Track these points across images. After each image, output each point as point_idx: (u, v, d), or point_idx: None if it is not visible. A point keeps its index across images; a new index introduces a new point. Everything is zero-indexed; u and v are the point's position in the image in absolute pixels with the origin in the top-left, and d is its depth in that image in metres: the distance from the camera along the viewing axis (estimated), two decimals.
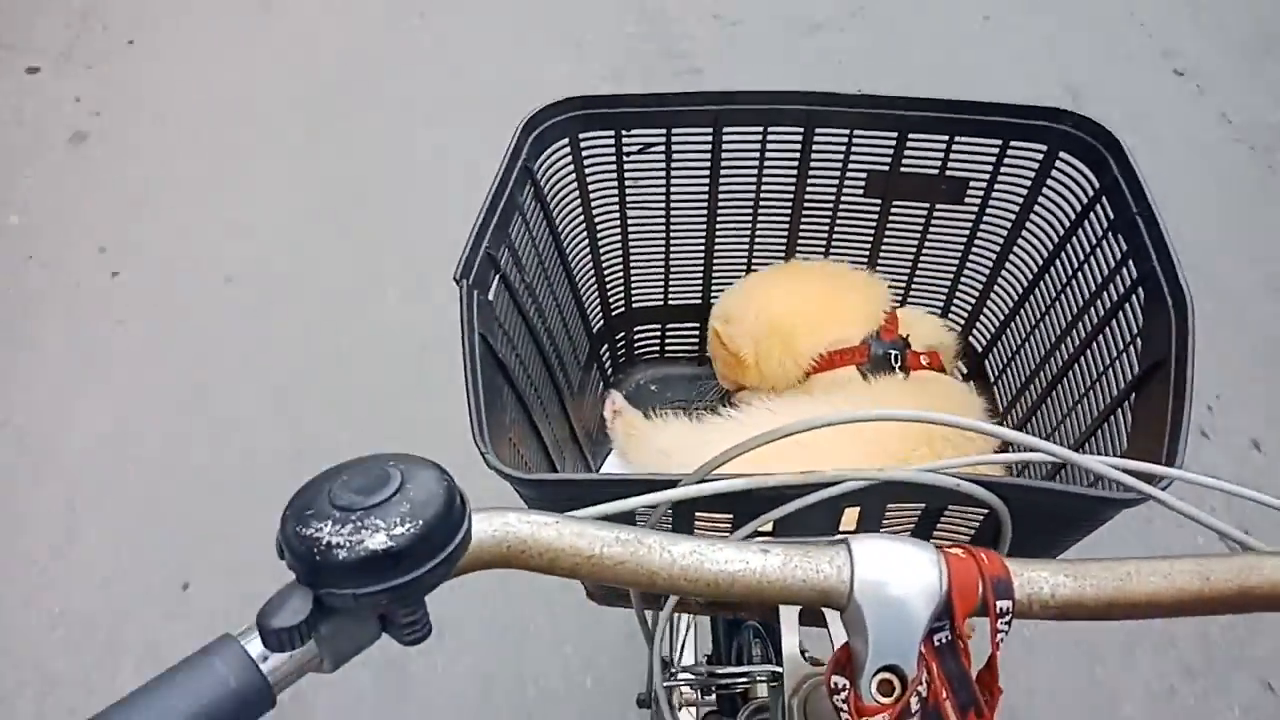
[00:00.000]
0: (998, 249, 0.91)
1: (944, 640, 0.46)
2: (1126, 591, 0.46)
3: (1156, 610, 0.47)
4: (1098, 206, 0.78)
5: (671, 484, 0.56)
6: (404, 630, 0.41)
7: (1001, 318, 0.94)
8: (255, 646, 0.38)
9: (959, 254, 0.94)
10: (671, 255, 0.99)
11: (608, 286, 1.00)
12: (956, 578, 0.45)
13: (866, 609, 0.45)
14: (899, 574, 0.45)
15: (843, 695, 0.46)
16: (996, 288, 0.93)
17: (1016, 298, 0.91)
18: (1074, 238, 0.82)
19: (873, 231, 0.95)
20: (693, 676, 0.94)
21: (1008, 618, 0.46)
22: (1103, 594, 0.47)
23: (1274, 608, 0.47)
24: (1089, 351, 0.76)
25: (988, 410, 0.92)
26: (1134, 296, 0.71)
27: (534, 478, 0.59)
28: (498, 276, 0.74)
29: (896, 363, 0.91)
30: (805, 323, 0.94)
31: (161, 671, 0.37)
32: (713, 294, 1.03)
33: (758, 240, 0.98)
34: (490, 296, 0.72)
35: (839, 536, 0.48)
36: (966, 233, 0.92)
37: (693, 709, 1.01)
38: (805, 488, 0.56)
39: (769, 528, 0.60)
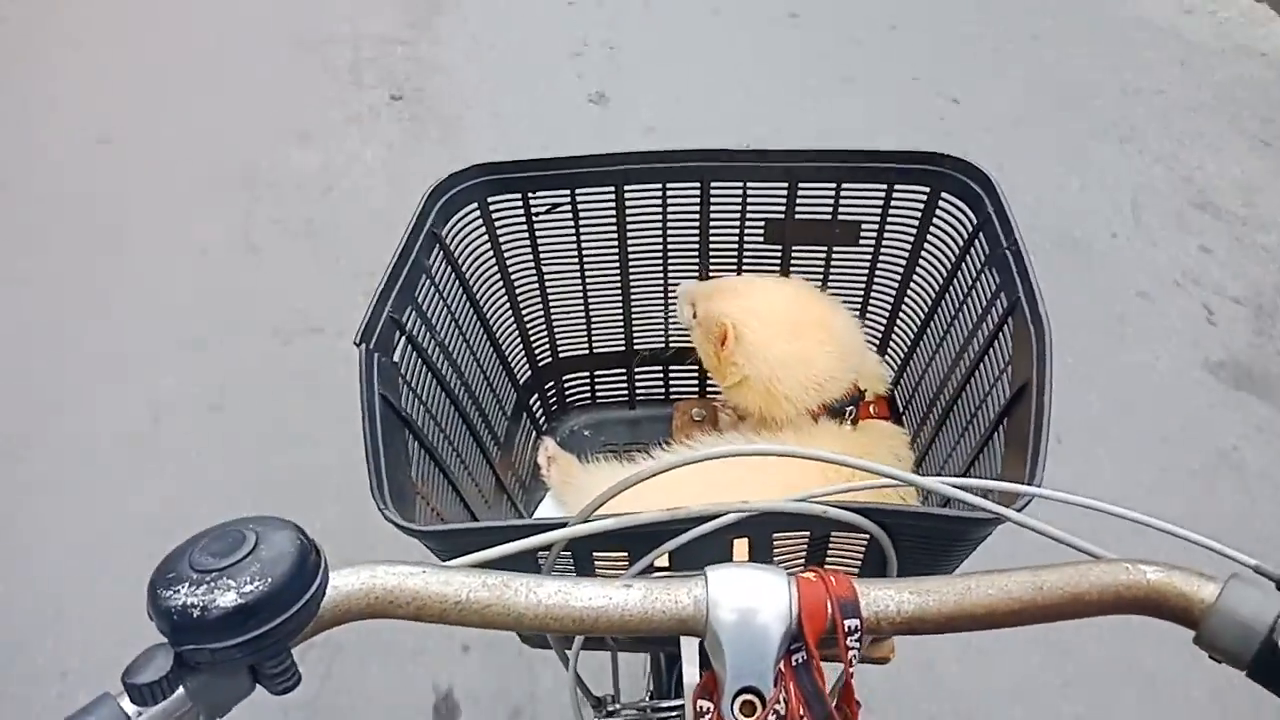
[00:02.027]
0: (896, 286, 0.95)
1: (800, 660, 0.49)
2: (966, 605, 0.49)
3: (998, 620, 0.50)
4: (976, 242, 0.83)
5: (561, 526, 0.59)
6: (273, 680, 0.44)
7: (904, 351, 0.97)
8: (130, 705, 0.41)
9: (861, 293, 0.98)
10: (591, 307, 1.03)
11: (531, 339, 1.03)
12: (806, 601, 0.48)
13: (723, 635, 0.48)
14: (752, 600, 0.48)
15: (707, 718, 0.49)
16: (898, 324, 0.97)
17: (916, 328, 0.95)
18: (958, 273, 0.86)
19: (777, 273, 0.99)
20: (633, 713, 0.96)
21: (857, 636, 0.49)
22: (945, 608, 0.49)
23: (1104, 611, 0.49)
24: (975, 376, 0.80)
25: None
26: (1006, 325, 0.75)
27: (425, 529, 0.62)
28: (403, 339, 0.77)
29: (851, 415, 0.93)
30: (799, 389, 0.92)
31: None
32: (635, 341, 1.07)
33: (671, 288, 1.02)
34: (396, 358, 0.75)
35: (701, 570, 0.51)
36: (866, 272, 0.96)
37: None
38: (675, 522, 0.58)
39: (666, 560, 0.63)
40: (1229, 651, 0.45)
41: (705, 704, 0.50)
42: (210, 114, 2.91)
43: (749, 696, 0.48)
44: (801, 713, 0.49)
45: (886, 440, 0.94)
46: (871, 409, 0.94)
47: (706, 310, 0.95)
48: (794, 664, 0.49)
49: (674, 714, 0.94)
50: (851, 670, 0.50)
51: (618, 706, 0.95)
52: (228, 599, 0.40)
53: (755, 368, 0.92)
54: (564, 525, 0.58)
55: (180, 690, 0.41)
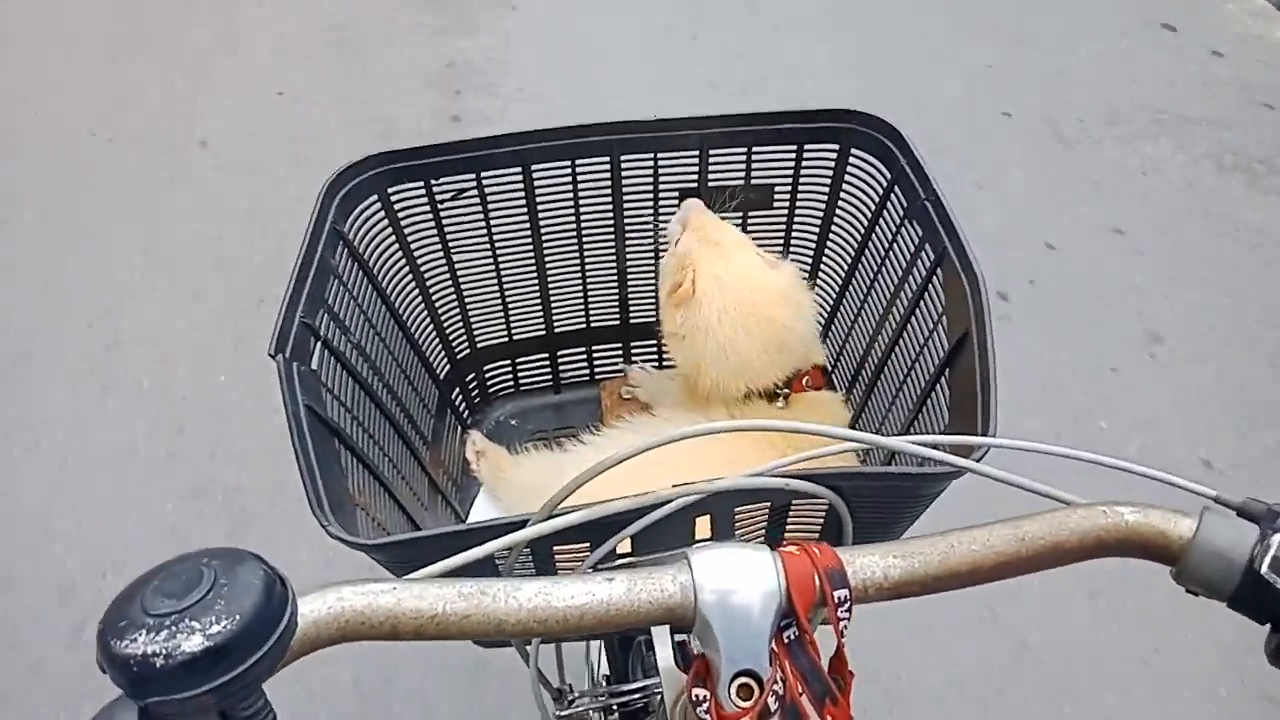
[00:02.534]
0: (813, 247, 0.95)
1: (792, 637, 0.48)
2: (951, 563, 0.49)
3: (983, 575, 0.49)
4: (891, 196, 0.83)
5: (520, 525, 0.56)
6: None
7: (827, 311, 0.97)
8: None
9: (780, 253, 0.97)
10: (507, 292, 1.00)
11: (447, 331, 0.99)
12: (793, 576, 0.47)
13: (713, 619, 0.46)
14: (738, 580, 0.46)
15: (704, 706, 0.47)
16: (819, 283, 0.97)
17: (836, 290, 0.95)
18: (876, 229, 0.86)
19: None
20: (591, 700, 0.94)
21: (847, 605, 0.48)
22: (930, 569, 0.49)
23: (1086, 556, 0.50)
24: (905, 334, 0.80)
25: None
26: (934, 277, 0.75)
27: (379, 541, 0.58)
28: (319, 344, 0.72)
29: (783, 391, 0.92)
30: (755, 371, 0.90)
31: None
32: (555, 324, 1.04)
33: (589, 265, 0.99)
34: (315, 365, 0.71)
35: (679, 551, 0.49)
36: (783, 233, 0.96)
37: None
38: (644, 509, 0.56)
39: (628, 544, 0.61)
40: (1210, 583, 0.46)
41: (700, 691, 0.48)
42: None
43: (745, 679, 0.47)
44: (800, 689, 0.48)
45: (820, 411, 0.94)
46: (805, 381, 0.93)
47: (688, 246, 0.91)
48: (786, 641, 0.48)
49: (635, 696, 0.93)
50: (844, 640, 0.49)
51: (576, 695, 0.93)
52: (193, 643, 0.36)
53: (693, 336, 0.89)
54: (523, 524, 0.56)
55: None
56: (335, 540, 0.58)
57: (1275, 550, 0.44)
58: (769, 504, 0.65)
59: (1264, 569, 0.44)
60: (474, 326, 1.01)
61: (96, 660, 0.38)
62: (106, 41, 2.97)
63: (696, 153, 0.90)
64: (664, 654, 0.65)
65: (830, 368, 0.98)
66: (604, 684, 1.12)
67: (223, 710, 0.39)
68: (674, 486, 0.57)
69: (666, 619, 0.47)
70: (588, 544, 0.62)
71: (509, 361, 1.06)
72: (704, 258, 0.89)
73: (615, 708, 0.95)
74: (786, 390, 0.91)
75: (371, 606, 0.44)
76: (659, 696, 0.90)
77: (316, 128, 2.64)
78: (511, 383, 1.08)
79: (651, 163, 0.91)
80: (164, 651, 0.36)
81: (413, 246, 0.91)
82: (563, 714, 0.91)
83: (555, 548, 0.64)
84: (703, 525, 0.64)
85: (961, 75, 2.80)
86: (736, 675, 0.46)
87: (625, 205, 0.94)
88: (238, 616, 0.37)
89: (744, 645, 0.46)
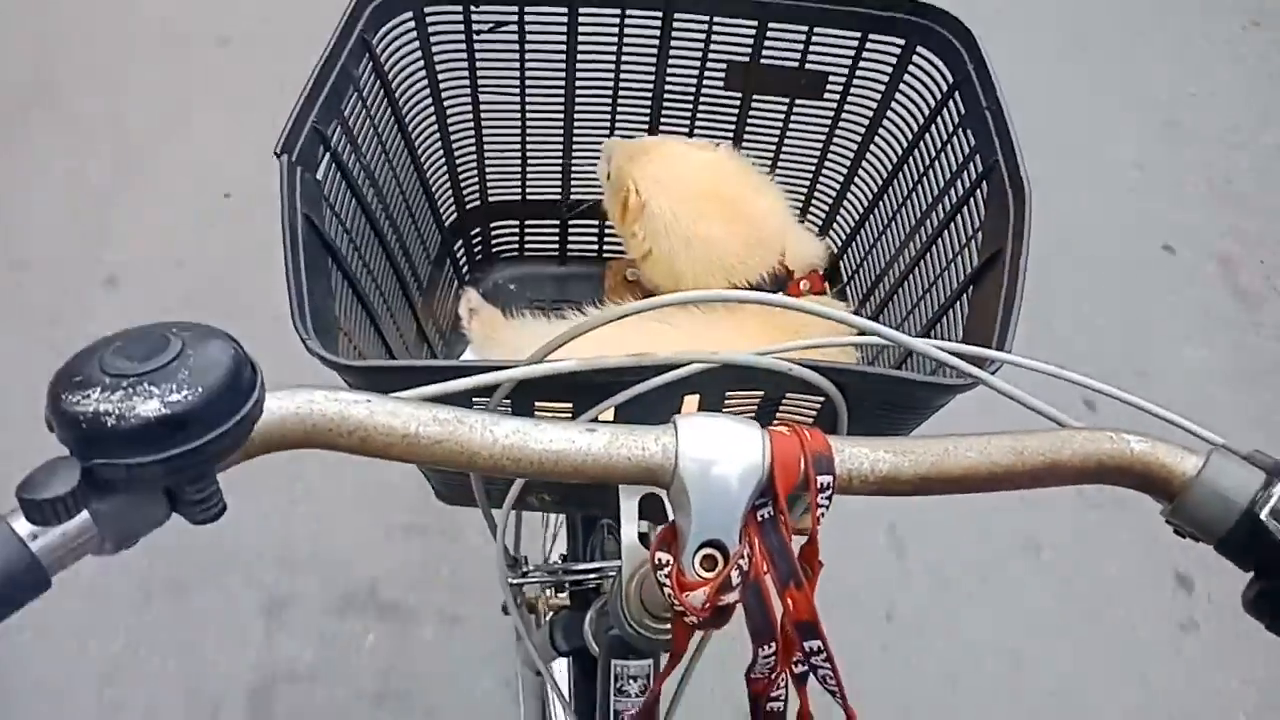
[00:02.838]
0: (856, 145, 0.91)
1: (766, 516, 0.46)
2: (943, 466, 0.47)
3: (974, 484, 0.48)
4: (951, 102, 0.79)
5: (505, 369, 0.54)
6: (194, 508, 0.38)
7: (858, 215, 0.94)
8: (22, 525, 0.35)
9: (818, 151, 0.93)
10: (528, 147, 0.96)
11: (460, 178, 0.96)
12: (779, 455, 0.45)
13: (690, 485, 0.45)
14: (723, 451, 0.45)
15: (666, 570, 0.46)
16: (854, 185, 0.93)
17: (873, 194, 0.91)
18: (928, 133, 0.82)
19: (734, 127, 0.94)
20: (545, 575, 0.94)
21: (828, 493, 0.46)
22: (920, 468, 0.47)
23: (1083, 480, 0.48)
24: (936, 245, 0.77)
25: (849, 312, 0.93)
26: (979, 190, 0.72)
27: (358, 364, 0.56)
28: (328, 154, 0.69)
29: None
30: (724, 261, 0.88)
31: None
32: (572, 190, 1.00)
33: (618, 132, 0.95)
34: (320, 176, 0.68)
35: (669, 419, 0.47)
36: (826, 129, 0.91)
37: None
38: (640, 370, 0.54)
39: (610, 416, 0.59)
40: (1205, 522, 0.45)
41: (664, 555, 0.47)
42: None
43: (711, 550, 0.46)
44: (765, 568, 0.47)
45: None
46: (803, 285, 0.91)
47: (619, 169, 0.90)
48: (760, 519, 0.46)
49: (589, 576, 0.93)
50: (819, 527, 0.47)
51: (530, 568, 0.93)
52: (149, 407, 0.34)
53: (658, 243, 0.88)
54: (512, 367, 0.54)
55: (84, 514, 0.35)
56: (313, 356, 0.56)
57: (1278, 499, 0.43)
58: (762, 392, 0.63)
59: (1264, 513, 0.43)
60: (488, 177, 0.97)
61: (45, 417, 0.36)
62: None
63: (755, 23, 0.85)
64: (629, 529, 0.64)
65: (849, 275, 0.95)
66: (560, 562, 1.12)
67: (169, 488, 0.37)
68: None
69: (643, 479, 0.46)
70: (571, 406, 0.61)
71: (518, 222, 1.03)
72: (638, 169, 0.87)
73: (567, 585, 0.95)
74: (781, 293, 0.88)
75: (342, 414, 0.42)
76: (611, 579, 0.90)
77: None
78: (517, 245, 1.05)
79: (705, 26, 0.86)
80: (117, 412, 0.34)
81: (440, 76, 0.86)
82: (514, 582, 0.91)
83: (537, 404, 0.62)
84: (691, 404, 0.62)
85: None
86: (703, 545, 0.45)
87: (669, 71, 0.90)
88: (199, 389, 0.35)
89: (716, 516, 0.45)
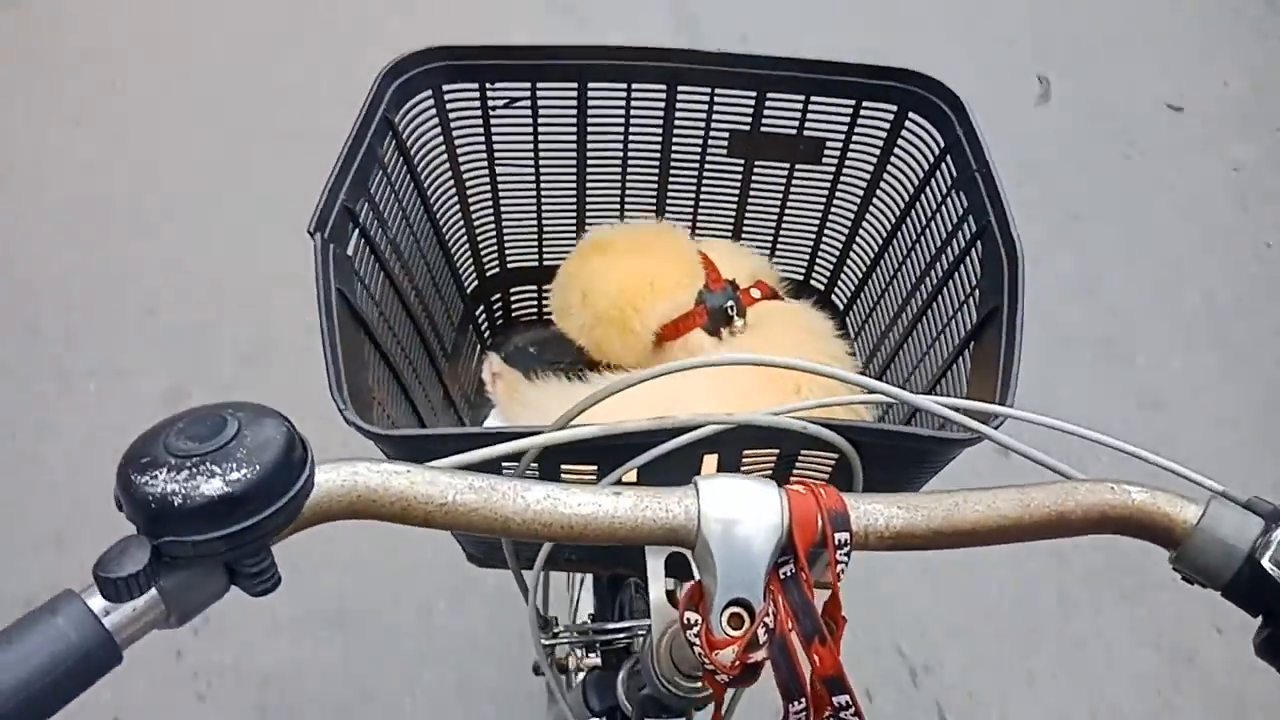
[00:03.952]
0: (855, 207, 0.94)
1: (789, 573, 0.48)
2: (954, 520, 0.49)
3: (983, 537, 0.50)
4: (943, 165, 0.82)
5: (536, 434, 0.56)
6: (252, 581, 0.41)
7: (861, 274, 0.97)
8: (97, 601, 0.37)
9: (820, 213, 0.97)
10: (544, 215, 0.99)
11: (480, 247, 0.99)
12: (797, 513, 0.47)
13: (714, 545, 0.47)
14: (743, 511, 0.47)
15: (695, 630, 0.48)
16: (855, 246, 0.97)
17: (873, 255, 0.94)
18: (923, 195, 0.85)
19: (738, 192, 0.97)
20: (575, 635, 0.95)
21: (846, 549, 0.48)
22: (933, 523, 0.49)
23: (1088, 531, 0.50)
24: (936, 302, 0.80)
25: (838, 335, 0.97)
26: (973, 250, 0.75)
27: (394, 433, 0.59)
28: (357, 231, 0.73)
29: (734, 310, 0.94)
30: (630, 303, 0.95)
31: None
32: None
33: (628, 200, 0.99)
34: (350, 251, 0.71)
35: (690, 481, 0.49)
36: (826, 192, 0.95)
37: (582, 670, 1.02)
38: (660, 433, 0.57)
39: (633, 478, 0.61)
40: (1208, 570, 0.47)
41: (693, 615, 0.49)
42: None
43: (737, 609, 0.48)
44: (790, 625, 0.48)
45: (793, 319, 0.96)
46: (753, 292, 0.95)
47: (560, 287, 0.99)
48: (782, 577, 0.48)
49: (619, 635, 0.94)
50: (840, 583, 0.49)
51: (560, 629, 0.95)
52: (212, 486, 0.37)
53: (586, 314, 0.95)
54: (539, 433, 0.56)
55: (153, 590, 0.38)
56: (350, 426, 0.59)
57: (1278, 544, 0.45)
58: (778, 450, 0.65)
59: (1265, 560, 0.45)
60: (506, 245, 1.01)
61: (114, 496, 0.39)
62: None
63: (754, 93, 0.89)
64: (656, 587, 0.66)
65: (855, 333, 0.98)
66: (589, 622, 1.13)
67: (229, 563, 0.40)
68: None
69: (668, 540, 0.48)
70: (595, 468, 0.63)
71: (536, 287, 1.06)
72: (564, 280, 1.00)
73: (598, 645, 0.96)
74: (734, 304, 0.93)
75: (385, 486, 0.45)
76: (641, 638, 0.92)
77: None
78: (536, 310, 1.08)
79: (708, 97, 0.90)
80: (184, 492, 0.37)
81: (459, 151, 0.91)
82: (547, 643, 0.92)
83: (563, 466, 0.64)
84: (710, 463, 0.65)
85: None
86: (730, 604, 0.47)
87: (675, 139, 0.94)
88: (258, 467, 0.38)
89: (741, 575, 0.47)
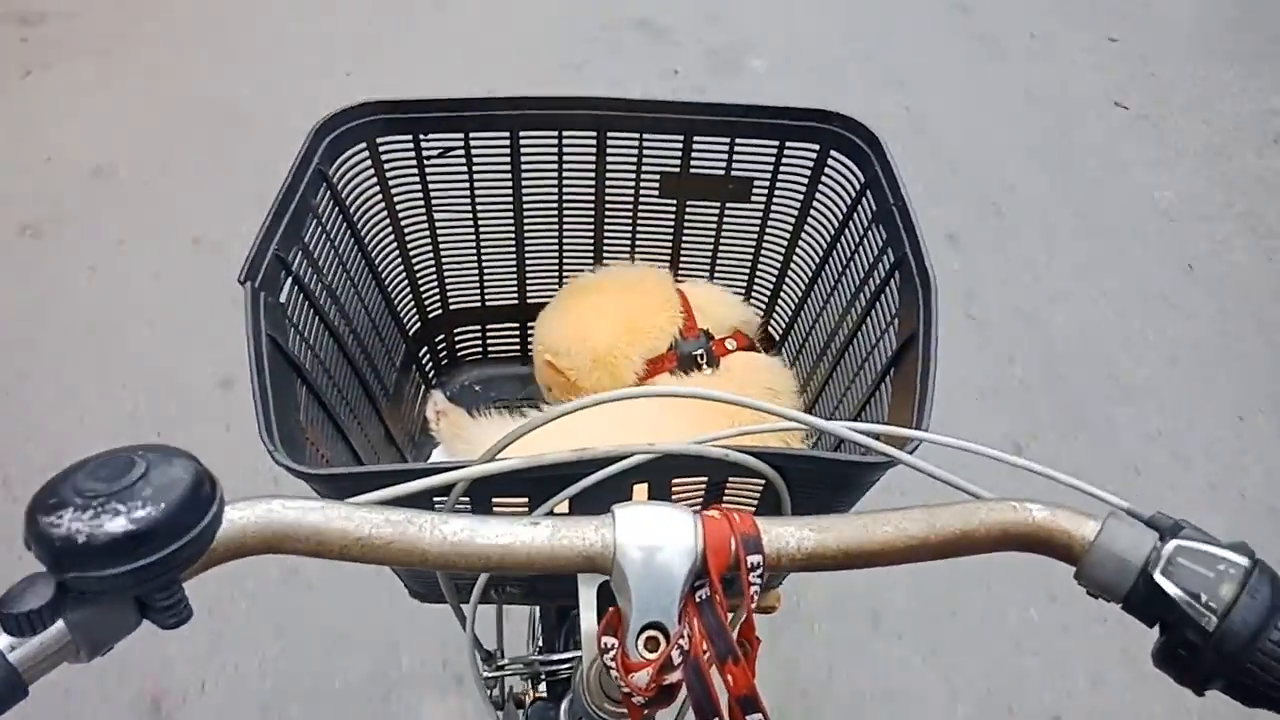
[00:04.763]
0: (785, 242, 0.97)
1: (703, 597, 0.49)
2: (864, 541, 0.51)
3: (892, 557, 0.51)
4: (863, 199, 0.85)
5: (462, 467, 0.57)
6: (163, 614, 0.41)
7: (794, 305, 0.99)
8: (2, 635, 0.38)
9: (752, 248, 0.99)
10: (484, 257, 1.01)
11: (421, 289, 1.01)
12: (711, 537, 0.49)
13: (629, 571, 0.48)
14: (659, 537, 0.48)
15: (611, 654, 0.49)
16: (789, 276, 0.99)
17: (804, 287, 0.97)
18: (847, 228, 0.88)
19: (672, 230, 1.00)
20: (520, 666, 0.96)
21: (759, 571, 0.49)
22: (843, 544, 0.51)
23: (992, 548, 0.52)
24: (861, 331, 0.83)
25: (795, 391, 0.98)
26: (892, 280, 0.77)
27: (322, 472, 0.60)
28: (290, 279, 0.74)
29: (703, 359, 0.95)
30: (621, 347, 0.97)
31: None
32: (529, 294, 1.05)
33: (566, 240, 1.01)
34: (283, 298, 0.72)
35: (608, 510, 0.50)
36: (757, 227, 0.98)
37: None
38: (585, 464, 0.58)
39: (566, 508, 0.62)
40: (1106, 585, 0.48)
41: (609, 640, 0.50)
42: None
43: (653, 632, 0.49)
44: (705, 647, 0.49)
45: (760, 373, 0.97)
46: (728, 344, 0.97)
47: (538, 371, 1.01)
48: (697, 600, 0.49)
49: (563, 666, 0.95)
50: (753, 605, 0.50)
51: (505, 661, 0.95)
52: (116, 524, 0.37)
53: (586, 360, 0.96)
54: (465, 466, 0.57)
55: (60, 623, 0.38)
56: (280, 466, 0.60)
57: (1169, 556, 0.46)
58: (706, 478, 0.67)
59: (1156, 573, 0.46)
60: (448, 287, 1.02)
61: (24, 538, 0.39)
62: None
63: (681, 138, 0.92)
64: (588, 615, 0.67)
65: (791, 361, 1.00)
66: (534, 653, 1.14)
67: (139, 597, 0.40)
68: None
69: (585, 567, 0.49)
70: (527, 501, 0.64)
71: (479, 327, 1.08)
72: (537, 346, 1.00)
73: (543, 675, 0.97)
74: (706, 353, 0.95)
75: (299, 521, 0.45)
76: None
77: None
78: (480, 349, 1.09)
79: (637, 142, 0.93)
80: (87, 530, 0.37)
81: (395, 199, 0.92)
82: (489, 675, 0.93)
83: (495, 500, 0.65)
84: (640, 493, 0.66)
85: None
86: (645, 628, 0.48)
87: (608, 182, 0.96)
88: (162, 505, 0.38)
89: (656, 600, 0.48)
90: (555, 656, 0.95)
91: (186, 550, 0.39)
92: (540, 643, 1.12)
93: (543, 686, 0.99)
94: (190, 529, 0.40)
